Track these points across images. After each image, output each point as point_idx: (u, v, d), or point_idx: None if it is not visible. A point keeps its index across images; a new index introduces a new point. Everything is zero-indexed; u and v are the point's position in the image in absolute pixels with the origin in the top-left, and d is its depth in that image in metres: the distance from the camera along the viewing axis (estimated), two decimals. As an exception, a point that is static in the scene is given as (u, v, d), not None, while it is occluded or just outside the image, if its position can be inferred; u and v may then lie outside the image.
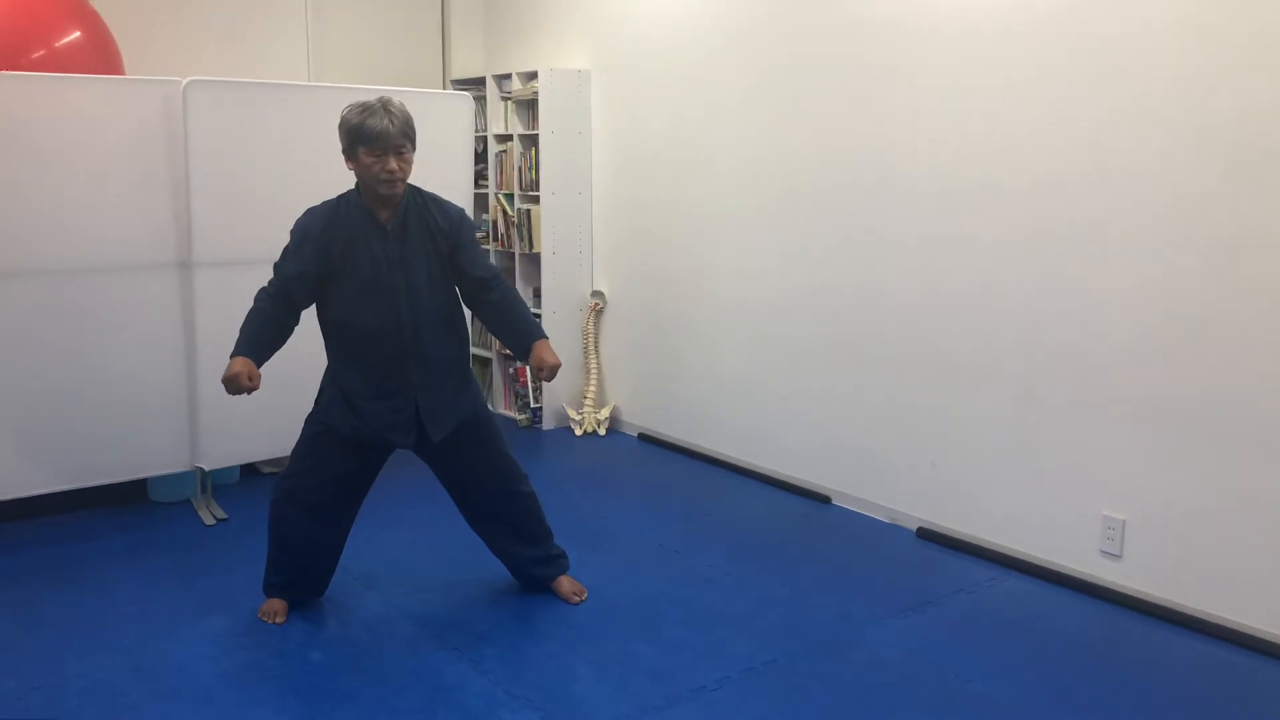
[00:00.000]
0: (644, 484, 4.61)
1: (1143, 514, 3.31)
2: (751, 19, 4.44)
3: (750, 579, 3.55)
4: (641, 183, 5.15)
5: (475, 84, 5.72)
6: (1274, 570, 3.02)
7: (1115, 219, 3.28)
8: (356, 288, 2.99)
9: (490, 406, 5.45)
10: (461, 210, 3.17)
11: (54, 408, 3.86)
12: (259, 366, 2.99)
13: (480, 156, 5.66)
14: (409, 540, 3.86)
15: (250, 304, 3.05)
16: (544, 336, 3.13)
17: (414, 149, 2.98)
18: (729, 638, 3.11)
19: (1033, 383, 3.56)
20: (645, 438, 5.29)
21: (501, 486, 3.25)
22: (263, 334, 3.01)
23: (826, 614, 3.28)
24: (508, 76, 5.52)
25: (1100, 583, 3.42)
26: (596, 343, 5.52)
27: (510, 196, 5.57)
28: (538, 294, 5.45)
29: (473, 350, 5.59)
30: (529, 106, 5.43)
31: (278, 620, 3.19)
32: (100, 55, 4.30)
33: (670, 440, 5.14)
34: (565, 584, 3.38)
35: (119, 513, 4.17)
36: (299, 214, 3.05)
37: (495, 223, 5.72)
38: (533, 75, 5.30)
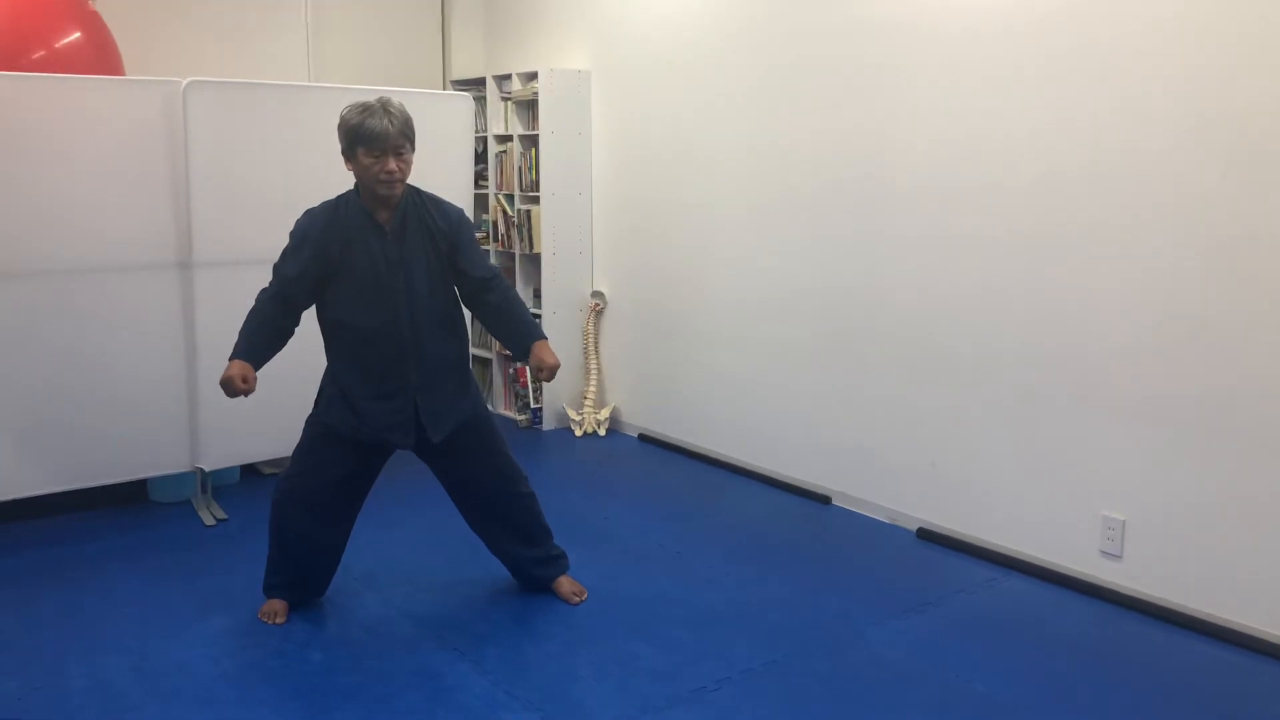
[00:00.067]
0: (644, 484, 4.61)
1: (1143, 514, 3.31)
2: (751, 19, 4.44)
3: (750, 579, 3.55)
4: (642, 183, 5.15)
5: (475, 84, 5.72)
6: (1274, 570, 3.02)
7: (1115, 219, 3.28)
8: (356, 288, 2.99)
9: (490, 407, 5.45)
10: (461, 210, 3.17)
11: (54, 408, 3.86)
12: (257, 369, 3.00)
13: (480, 157, 5.66)
14: (409, 540, 3.87)
15: (250, 304, 3.06)
16: (543, 337, 3.14)
17: (413, 150, 2.98)
18: (729, 638, 3.11)
19: (1033, 383, 3.56)
20: (645, 438, 5.29)
21: (501, 487, 3.26)
22: (260, 336, 3.01)
23: (827, 614, 3.28)
24: (508, 77, 5.52)
25: (1100, 583, 3.42)
26: (596, 343, 5.52)
27: (510, 197, 5.58)
28: (538, 294, 5.45)
29: (473, 351, 5.60)
30: (529, 107, 5.43)
31: (278, 621, 3.19)
32: (100, 56, 4.31)
33: (670, 441, 5.14)
34: (565, 584, 3.38)
35: (119, 513, 4.17)
36: (299, 214, 3.05)
37: (495, 223, 5.72)
38: (533, 76, 5.30)
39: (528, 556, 3.35)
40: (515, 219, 5.52)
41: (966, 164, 3.67)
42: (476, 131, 5.45)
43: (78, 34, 4.25)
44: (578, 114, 5.37)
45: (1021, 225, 3.53)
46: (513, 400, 5.74)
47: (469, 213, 4.31)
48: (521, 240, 5.50)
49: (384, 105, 2.91)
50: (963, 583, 3.53)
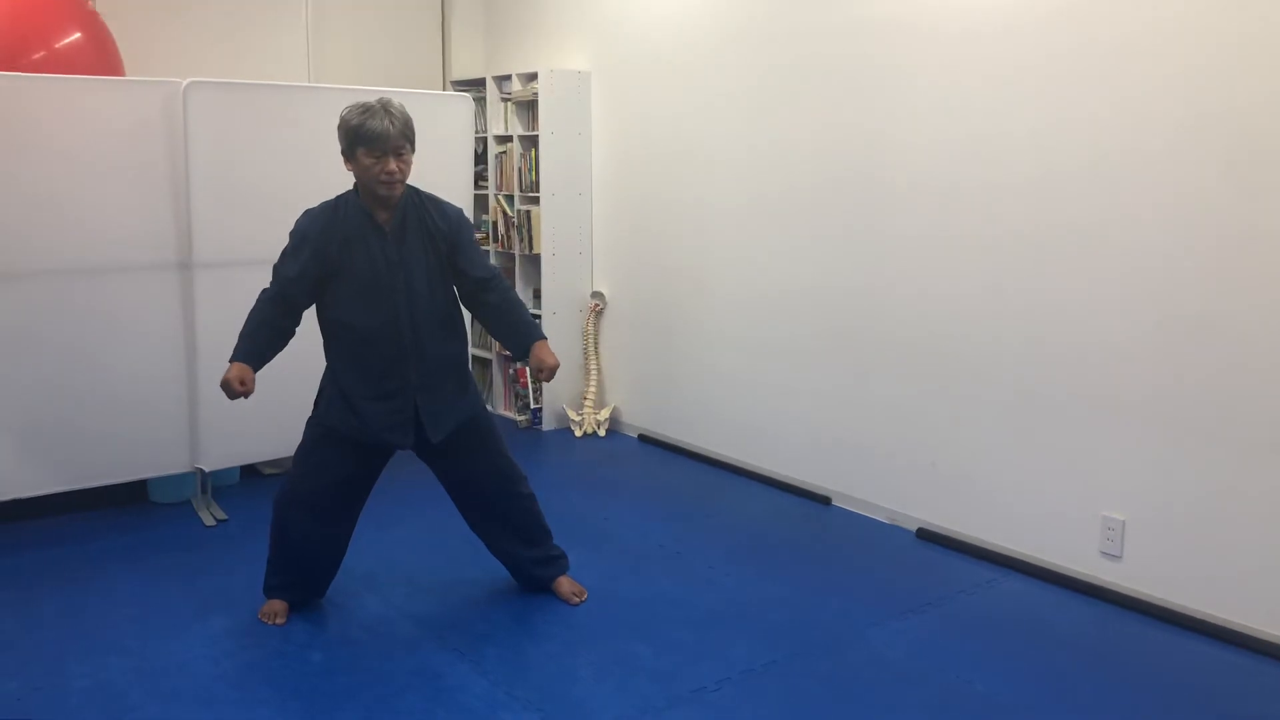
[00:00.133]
0: (644, 485, 4.61)
1: (1143, 514, 3.31)
2: (751, 19, 4.45)
3: (750, 579, 3.55)
4: (641, 183, 5.15)
5: (475, 85, 5.73)
6: (1274, 570, 3.02)
7: (1115, 218, 3.28)
8: (355, 288, 3.00)
9: (490, 408, 5.45)
10: (460, 211, 3.17)
11: (55, 409, 3.86)
12: (258, 369, 3.01)
13: (480, 157, 5.67)
14: (409, 540, 3.87)
15: (251, 305, 3.06)
16: (543, 337, 3.14)
17: (413, 150, 2.98)
18: (729, 638, 3.11)
19: (1033, 383, 3.56)
20: (645, 439, 5.29)
21: (501, 488, 3.26)
22: (260, 337, 3.02)
23: (827, 614, 3.28)
24: (508, 77, 5.52)
25: (1100, 583, 3.42)
26: (596, 344, 5.52)
27: (510, 197, 5.58)
28: (538, 295, 5.45)
29: (473, 351, 5.60)
30: (529, 107, 5.43)
31: (278, 621, 3.19)
32: (100, 56, 4.31)
33: (670, 441, 5.14)
34: (565, 584, 3.38)
35: (120, 514, 4.17)
36: (299, 214, 3.05)
37: (495, 224, 5.72)
38: (533, 76, 5.30)
39: (527, 557, 3.35)
40: (515, 219, 5.52)
41: (966, 164, 3.67)
42: (476, 132, 5.46)
43: (78, 34, 4.25)
44: (578, 114, 5.37)
45: (1021, 225, 3.53)
46: (513, 401, 5.74)
47: (469, 213, 4.31)
48: (521, 241, 5.50)
49: (384, 106, 2.91)
50: (963, 583, 3.53)
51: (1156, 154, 3.16)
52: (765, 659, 2.99)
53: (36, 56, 4.07)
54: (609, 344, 5.51)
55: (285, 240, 3.03)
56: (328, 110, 4.17)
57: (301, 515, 3.13)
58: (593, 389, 5.45)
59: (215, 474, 4.32)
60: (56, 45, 4.17)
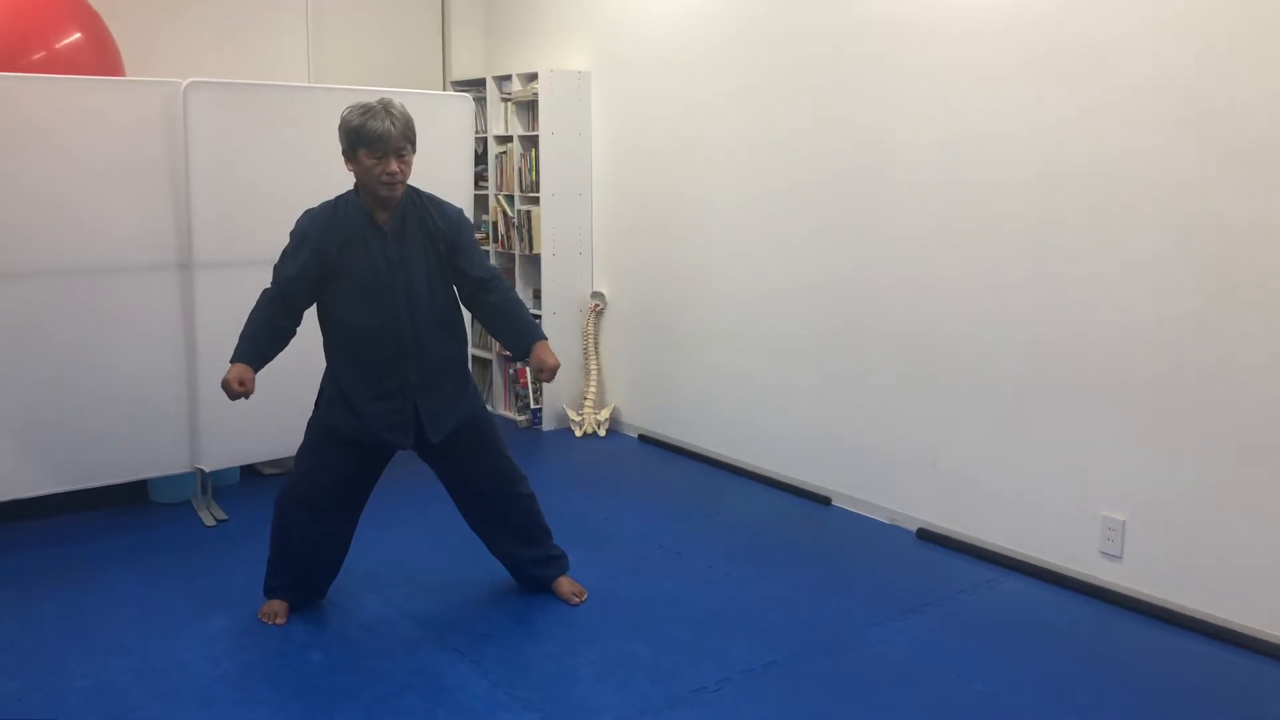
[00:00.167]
0: (644, 485, 4.61)
1: (1143, 514, 3.31)
2: (751, 19, 4.45)
3: (750, 580, 3.55)
4: (641, 184, 5.15)
5: (475, 85, 5.73)
6: (1274, 570, 3.02)
7: (1115, 217, 3.28)
8: (355, 289, 3.00)
9: (490, 408, 5.46)
10: (460, 211, 3.17)
11: (55, 409, 3.86)
12: (258, 369, 3.01)
13: (480, 158, 5.67)
14: (409, 540, 3.87)
15: (251, 305, 3.06)
16: (543, 338, 3.14)
17: (414, 151, 2.98)
18: (729, 638, 3.11)
19: (1032, 382, 3.56)
20: (645, 439, 5.29)
21: (501, 487, 3.26)
22: (260, 337, 3.03)
23: (827, 615, 3.28)
24: (508, 78, 5.52)
25: (1100, 583, 3.42)
26: (596, 344, 5.52)
27: (510, 198, 5.58)
28: (538, 295, 5.45)
29: (473, 351, 5.60)
30: (529, 107, 5.43)
31: (278, 621, 3.19)
32: (100, 56, 4.31)
33: (670, 441, 5.14)
34: (565, 585, 3.38)
35: (120, 514, 4.17)
36: (299, 214, 3.05)
37: (495, 224, 5.72)
38: (533, 76, 5.30)
39: (528, 557, 3.36)
40: (515, 220, 5.52)
41: (966, 163, 3.67)
42: (476, 132, 5.46)
43: (78, 34, 4.25)
44: (578, 114, 5.37)
45: (1021, 224, 3.54)
46: (513, 401, 5.74)
47: (469, 213, 4.32)
48: (521, 241, 5.50)
49: (385, 107, 2.92)
50: (963, 583, 3.53)
51: (1156, 153, 3.17)
52: (765, 659, 2.99)
53: (36, 56, 4.08)
54: (609, 344, 5.51)
55: (285, 240, 3.04)
56: (328, 110, 4.17)
57: (302, 516, 3.13)
58: (593, 389, 5.45)
59: (215, 474, 4.33)
60: (56, 45, 4.17)
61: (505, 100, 5.56)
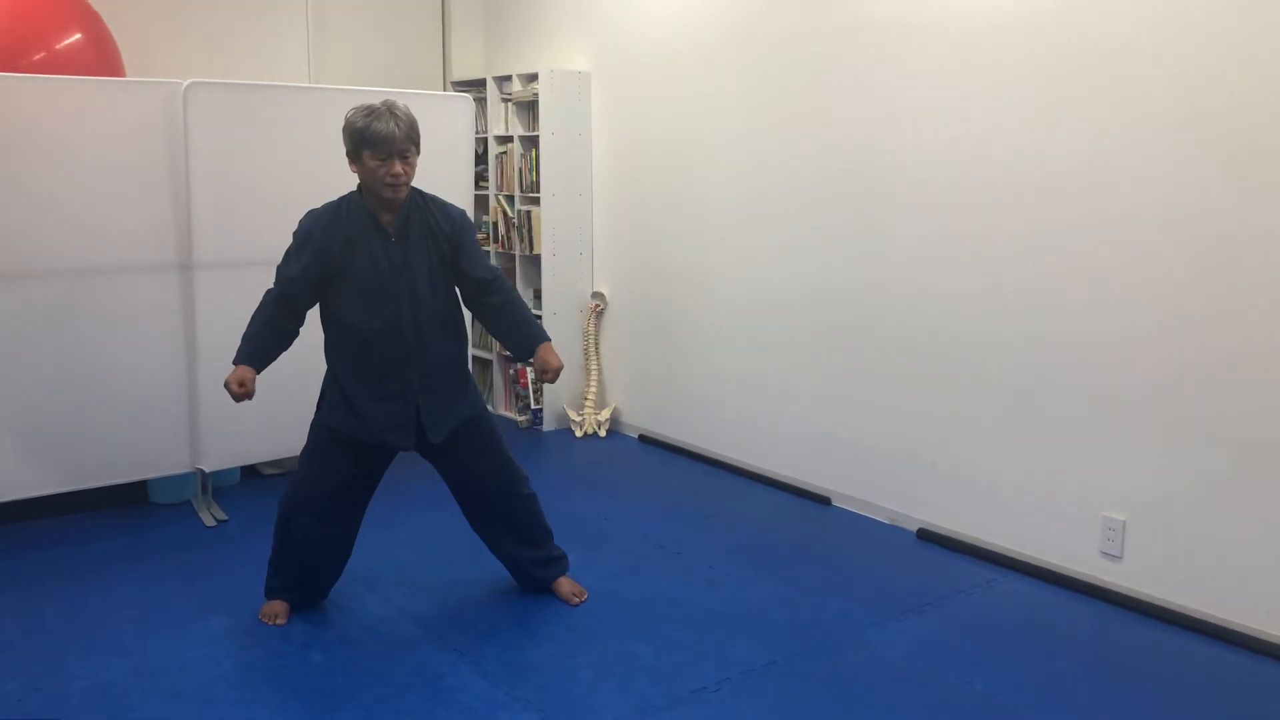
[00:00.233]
0: (644, 485, 4.61)
1: (1143, 514, 3.31)
2: (751, 19, 4.45)
3: (750, 580, 3.55)
4: (642, 183, 5.15)
5: (476, 85, 5.73)
6: (1274, 570, 3.02)
7: (1115, 217, 3.28)
8: (358, 289, 3.00)
9: (490, 408, 5.45)
10: (463, 212, 3.18)
11: (55, 410, 3.87)
12: (260, 370, 3.01)
13: (480, 158, 5.67)
14: (410, 540, 3.87)
15: (252, 305, 3.06)
16: (547, 339, 3.15)
17: (418, 153, 2.99)
18: (729, 638, 3.11)
19: (1033, 382, 3.56)
20: (646, 439, 5.29)
21: (501, 487, 3.26)
22: (261, 338, 3.03)
23: (827, 615, 3.28)
24: (508, 78, 5.52)
25: (1100, 583, 3.42)
26: (597, 344, 5.52)
27: (511, 198, 5.58)
28: (538, 295, 5.45)
29: (473, 351, 5.60)
30: (529, 108, 5.44)
31: (278, 622, 3.19)
32: (101, 56, 4.31)
33: (670, 441, 5.14)
34: (565, 585, 3.38)
35: (120, 514, 4.18)
36: (299, 215, 3.06)
37: (496, 224, 5.72)
38: (533, 77, 5.30)
39: (528, 558, 3.36)
40: (515, 220, 5.52)
41: (966, 163, 3.67)
42: (477, 132, 5.46)
43: (78, 34, 4.25)
44: (578, 115, 5.37)
45: (1021, 224, 3.53)
46: (513, 401, 5.74)
47: (469, 214, 4.31)
48: (522, 241, 5.51)
49: (390, 108, 2.92)
50: (963, 583, 3.53)
51: (1156, 152, 3.16)
52: (765, 659, 2.99)
53: (36, 57, 4.08)
54: (609, 344, 5.51)
55: (285, 240, 3.04)
56: (328, 110, 4.18)
57: (306, 517, 3.13)
58: (593, 389, 5.45)
59: (215, 474, 4.33)
60: (57, 46, 4.17)
61: (505, 100, 5.56)
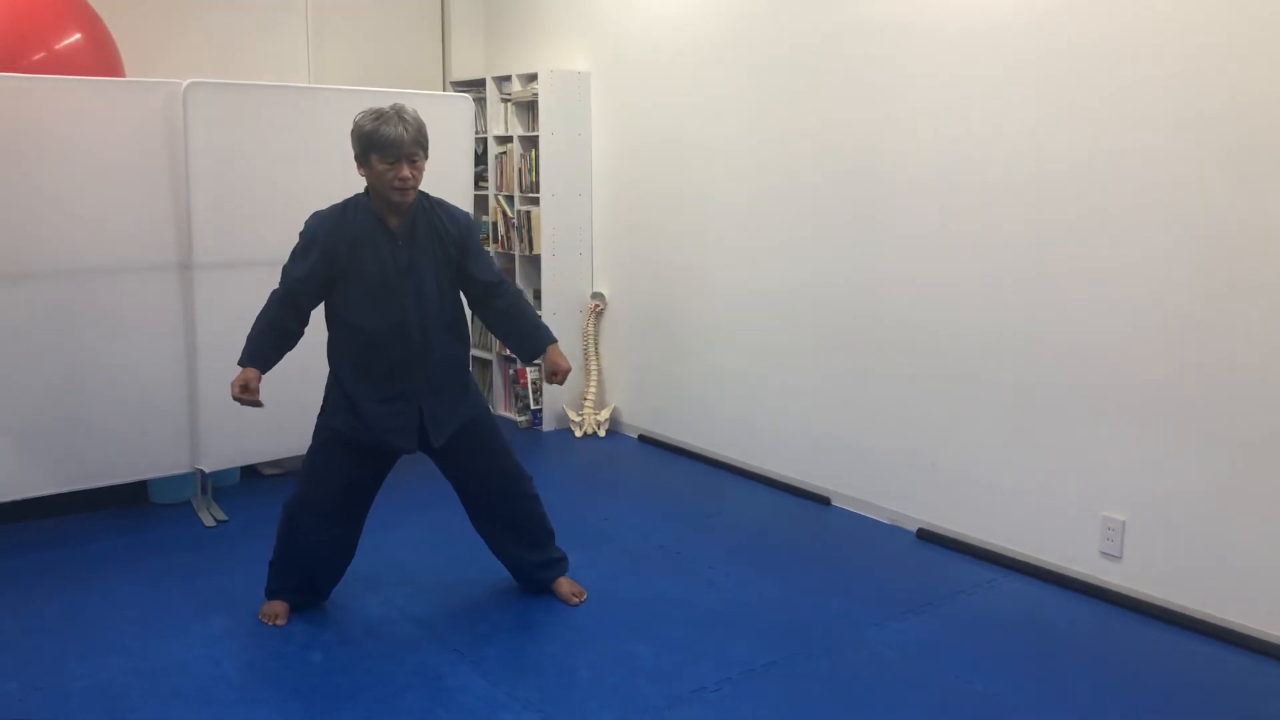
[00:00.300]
0: (644, 485, 4.61)
1: (1143, 514, 3.31)
2: (751, 19, 4.45)
3: (750, 580, 3.55)
4: (641, 183, 5.15)
5: (475, 85, 5.73)
6: (1274, 570, 3.02)
7: (1115, 217, 3.28)
8: (364, 291, 3.00)
9: (490, 408, 5.45)
10: (469, 215, 3.21)
11: (55, 410, 3.86)
12: (266, 371, 3.03)
13: (480, 158, 5.67)
14: (410, 540, 3.87)
15: (252, 305, 3.06)
16: (554, 341, 3.19)
17: (427, 157, 2.99)
18: (729, 638, 3.11)
19: (1033, 382, 3.56)
20: (645, 439, 5.29)
21: (504, 487, 3.26)
22: (266, 338, 3.04)
23: (827, 615, 3.28)
24: (508, 78, 5.52)
25: (1100, 583, 3.42)
26: (596, 344, 5.52)
27: (510, 198, 5.58)
28: (538, 295, 5.45)
29: (472, 351, 5.60)
30: (529, 108, 5.43)
31: (278, 623, 3.19)
32: (100, 57, 4.31)
33: (670, 441, 5.14)
34: (565, 585, 3.38)
35: (120, 514, 4.18)
36: (299, 215, 3.06)
37: (495, 224, 5.72)
38: (533, 77, 5.30)
39: (529, 560, 3.36)
40: (515, 220, 5.52)
41: (966, 162, 3.67)
42: (476, 133, 5.46)
43: (78, 34, 4.25)
44: (578, 115, 5.37)
45: (1021, 224, 3.54)
46: (513, 401, 5.74)
47: (469, 214, 4.32)
48: (521, 241, 5.51)
49: (398, 112, 2.92)
50: (963, 583, 3.53)
51: (1156, 152, 3.17)
52: (765, 659, 2.99)
53: (36, 57, 4.08)
54: (609, 344, 5.51)
55: (285, 240, 3.04)
56: (328, 110, 4.19)
57: (311, 519, 3.13)
58: (593, 389, 5.45)
59: (215, 474, 4.33)
60: (56, 46, 4.17)
61: (505, 101, 5.56)
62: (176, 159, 3.95)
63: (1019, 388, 3.60)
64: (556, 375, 3.12)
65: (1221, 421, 3.10)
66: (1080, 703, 2.76)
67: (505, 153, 5.58)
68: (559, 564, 3.41)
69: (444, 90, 6.01)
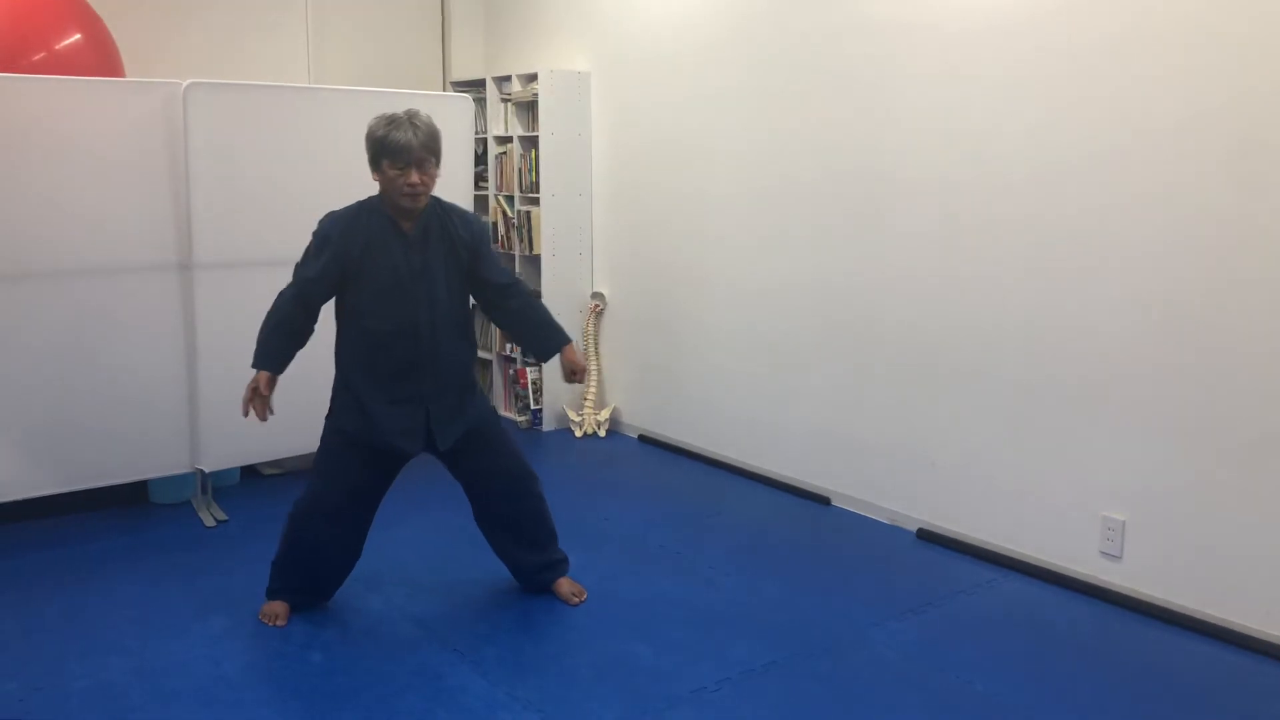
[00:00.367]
0: (644, 485, 4.61)
1: (1143, 514, 3.31)
2: (751, 19, 4.45)
3: (750, 580, 3.55)
4: (642, 184, 5.15)
5: (475, 85, 5.73)
6: (1274, 570, 3.02)
7: (1115, 216, 3.28)
8: (376, 294, 3.01)
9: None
10: (480, 219, 3.23)
11: (55, 410, 3.86)
12: (280, 371, 3.05)
13: (480, 158, 5.67)
14: (410, 541, 3.87)
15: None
16: (568, 341, 3.22)
17: (438, 163, 3.00)
18: (729, 638, 3.11)
19: (1033, 382, 3.56)
20: (645, 439, 5.29)
21: (510, 488, 3.26)
22: (276, 339, 3.05)
23: (827, 615, 3.28)
24: (508, 78, 5.52)
25: (1100, 583, 3.42)
26: (597, 344, 5.52)
27: (510, 198, 5.58)
28: (538, 296, 5.45)
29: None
30: (529, 108, 5.43)
31: (278, 623, 3.19)
32: (100, 57, 4.31)
33: (670, 441, 5.14)
34: (565, 585, 3.38)
35: (120, 514, 4.17)
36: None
37: (495, 224, 5.72)
38: (533, 77, 5.30)
39: (531, 562, 3.36)
40: (515, 220, 5.52)
41: (966, 162, 3.67)
42: (476, 133, 5.46)
43: (78, 34, 4.25)
44: (578, 115, 5.37)
45: (1020, 223, 3.54)
46: (513, 401, 5.74)
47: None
48: (521, 241, 5.51)
49: (410, 118, 2.93)
50: (963, 583, 3.53)
51: (1156, 152, 3.17)
52: (765, 659, 2.99)
53: (36, 57, 4.08)
54: (609, 344, 5.51)
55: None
56: (327, 110, 4.19)
57: (321, 521, 3.13)
58: (593, 389, 5.45)
59: (215, 474, 4.32)
60: (56, 46, 4.17)
61: (505, 101, 5.56)
62: (176, 159, 3.95)
63: (1019, 387, 3.60)
64: (576, 374, 3.17)
65: (1222, 421, 3.10)
66: (1080, 703, 2.76)
67: (505, 153, 5.58)
68: (560, 565, 3.41)
69: (444, 90, 6.01)
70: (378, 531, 3.82)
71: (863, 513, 4.20)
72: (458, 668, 2.94)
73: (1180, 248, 3.14)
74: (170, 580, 3.53)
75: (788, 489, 4.48)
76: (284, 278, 3.07)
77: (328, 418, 3.16)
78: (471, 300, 3.22)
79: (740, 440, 4.75)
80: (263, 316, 3.06)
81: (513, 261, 5.60)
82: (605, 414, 5.43)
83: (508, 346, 5.76)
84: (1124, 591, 3.36)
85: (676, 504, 4.33)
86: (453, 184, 4.37)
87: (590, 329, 5.48)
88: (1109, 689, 2.83)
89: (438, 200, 3.09)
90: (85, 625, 3.19)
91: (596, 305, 5.48)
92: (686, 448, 5.04)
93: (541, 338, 3.21)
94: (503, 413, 5.82)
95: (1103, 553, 3.42)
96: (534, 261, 5.49)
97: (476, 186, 5.38)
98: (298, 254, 3.06)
